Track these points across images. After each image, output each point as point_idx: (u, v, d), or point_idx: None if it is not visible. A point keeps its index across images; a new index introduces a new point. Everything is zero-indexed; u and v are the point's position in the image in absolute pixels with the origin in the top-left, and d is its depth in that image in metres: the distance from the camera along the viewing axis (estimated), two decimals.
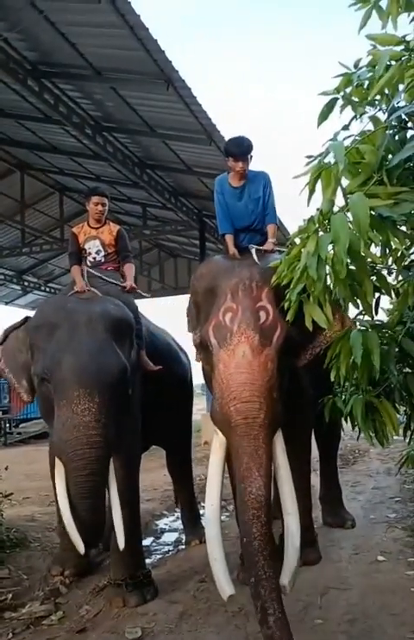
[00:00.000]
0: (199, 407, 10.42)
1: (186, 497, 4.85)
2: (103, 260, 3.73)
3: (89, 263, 3.71)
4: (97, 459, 2.71)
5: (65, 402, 2.76)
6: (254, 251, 2.98)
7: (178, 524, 5.09)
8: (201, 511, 4.88)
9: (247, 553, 2.29)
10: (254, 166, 3.30)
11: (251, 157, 3.24)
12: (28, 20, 6.24)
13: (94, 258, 3.73)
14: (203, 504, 5.15)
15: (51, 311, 3.13)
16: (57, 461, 2.83)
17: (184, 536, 4.73)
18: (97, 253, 3.73)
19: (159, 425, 3.89)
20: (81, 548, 2.76)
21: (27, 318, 3.39)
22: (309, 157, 1.90)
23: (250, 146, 3.22)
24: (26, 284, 17.17)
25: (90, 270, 3.61)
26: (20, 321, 3.42)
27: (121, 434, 2.99)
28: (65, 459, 2.74)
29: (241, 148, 3.20)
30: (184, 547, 4.53)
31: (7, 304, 18.76)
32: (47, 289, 18.01)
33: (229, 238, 3.31)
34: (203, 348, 2.81)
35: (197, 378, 4.35)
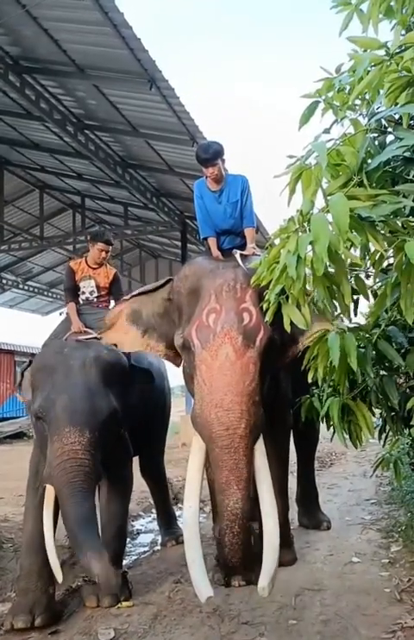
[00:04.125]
0: (179, 409, 10.39)
1: (162, 498, 4.85)
2: (94, 300, 3.94)
3: (81, 301, 3.91)
4: (84, 478, 2.85)
5: (57, 437, 2.93)
6: (238, 255, 2.95)
7: (154, 526, 5.07)
8: (177, 513, 4.87)
9: (219, 564, 2.28)
10: (241, 165, 3.30)
11: (223, 160, 3.22)
12: (10, 14, 6.17)
13: (86, 298, 3.93)
14: (180, 505, 5.16)
15: (49, 356, 3.35)
16: (47, 489, 2.94)
17: (159, 538, 4.71)
18: (91, 293, 3.93)
19: (139, 436, 3.97)
20: (59, 575, 2.88)
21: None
22: (291, 157, 1.89)
23: (218, 150, 3.19)
24: (4, 281, 17.00)
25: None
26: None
27: (115, 465, 3.28)
28: (54, 482, 2.87)
29: (206, 154, 3.18)
30: (159, 548, 4.52)
31: None
32: (26, 287, 17.83)
33: (212, 241, 3.29)
34: (185, 348, 2.78)
35: (177, 380, 4.35)
